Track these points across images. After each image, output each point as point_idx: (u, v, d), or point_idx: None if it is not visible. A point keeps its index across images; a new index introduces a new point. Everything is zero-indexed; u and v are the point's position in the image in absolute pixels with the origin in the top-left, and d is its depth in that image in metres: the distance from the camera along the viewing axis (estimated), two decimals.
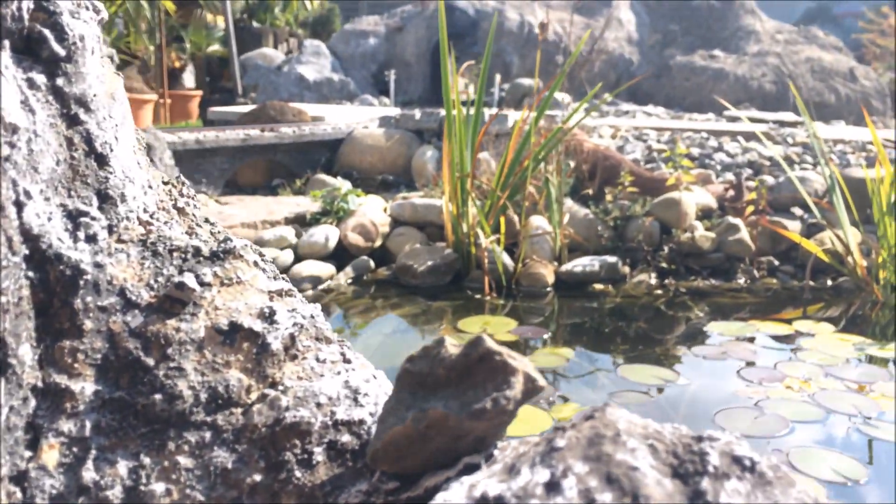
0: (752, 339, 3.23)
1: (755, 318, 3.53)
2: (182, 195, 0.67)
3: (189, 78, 12.14)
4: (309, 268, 3.89)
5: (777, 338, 3.27)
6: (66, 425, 0.51)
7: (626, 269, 4.12)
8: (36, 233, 0.52)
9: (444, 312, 3.68)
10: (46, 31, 0.56)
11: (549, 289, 3.94)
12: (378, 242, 4.26)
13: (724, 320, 3.51)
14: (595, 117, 7.05)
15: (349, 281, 4.02)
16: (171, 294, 0.56)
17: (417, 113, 5.92)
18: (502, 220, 4.03)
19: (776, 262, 4.22)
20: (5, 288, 0.48)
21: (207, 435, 0.52)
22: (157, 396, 0.52)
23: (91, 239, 0.54)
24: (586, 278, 3.99)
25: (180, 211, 0.66)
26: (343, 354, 0.61)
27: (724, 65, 10.40)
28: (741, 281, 4.10)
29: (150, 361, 0.53)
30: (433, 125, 5.68)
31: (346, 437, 0.53)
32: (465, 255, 4.05)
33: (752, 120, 6.72)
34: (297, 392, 0.54)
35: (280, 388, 0.55)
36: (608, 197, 4.43)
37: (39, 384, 0.51)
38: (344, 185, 4.62)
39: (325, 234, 4.07)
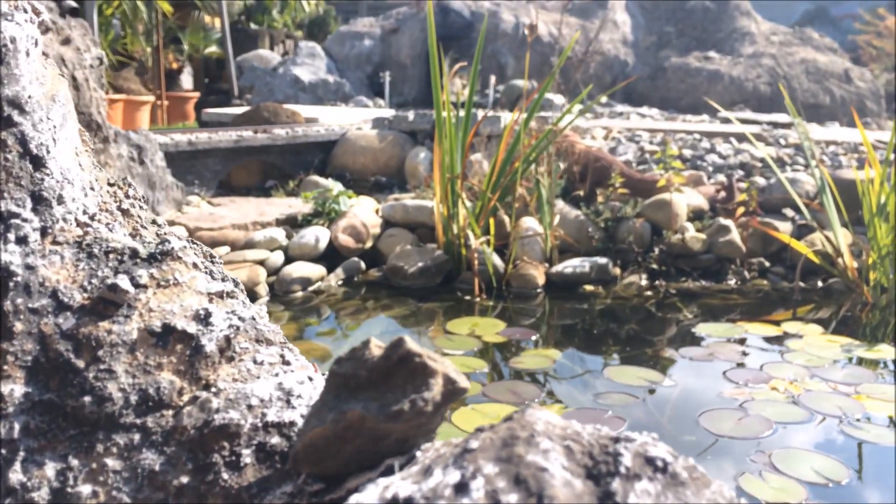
0: (740, 341, 3.23)
1: (744, 319, 3.53)
2: (128, 197, 0.68)
3: (187, 79, 12.15)
4: (299, 269, 3.89)
5: (765, 339, 3.27)
6: None
7: (617, 271, 4.12)
8: None
9: (434, 314, 3.67)
10: None
11: (539, 290, 3.94)
12: (369, 244, 4.26)
13: (714, 322, 3.52)
14: (589, 119, 7.06)
15: (340, 282, 4.02)
16: (104, 296, 0.56)
17: (411, 114, 5.93)
18: (492, 221, 4.03)
19: (767, 264, 4.23)
20: None
21: (136, 437, 0.52)
22: (87, 398, 0.52)
23: (22, 241, 0.54)
24: (577, 280, 3.99)
25: (125, 213, 0.66)
26: (282, 356, 0.61)
27: (719, 66, 10.41)
28: (732, 282, 4.10)
29: (81, 363, 0.53)
30: (426, 126, 5.68)
31: (275, 439, 0.53)
32: (456, 257, 4.05)
33: (747, 121, 6.72)
34: (230, 394, 0.54)
35: (213, 390, 0.55)
36: (599, 198, 4.43)
37: None
38: (335, 186, 4.62)
39: (316, 236, 4.08)
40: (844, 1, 24.14)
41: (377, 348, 0.49)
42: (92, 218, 0.62)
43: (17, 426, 0.52)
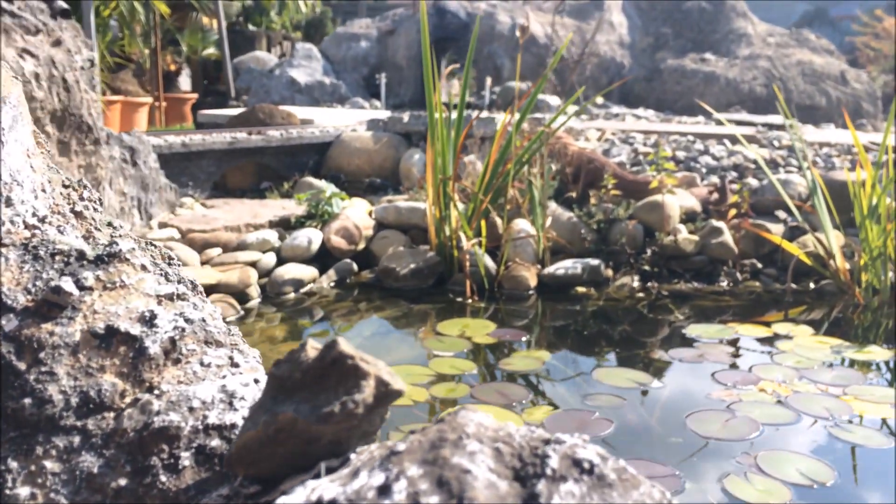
0: (730, 342, 3.23)
1: (736, 321, 3.53)
2: (82, 199, 0.68)
3: (186, 81, 12.16)
4: (291, 271, 3.89)
5: (755, 340, 3.27)
6: None
7: (609, 272, 4.12)
8: None
9: (425, 315, 3.67)
10: None
11: (531, 292, 3.94)
12: (361, 245, 4.26)
13: (706, 323, 3.51)
14: (584, 120, 7.06)
15: (332, 284, 4.01)
16: (48, 298, 0.56)
17: (405, 116, 5.93)
18: (483, 223, 4.03)
19: (759, 265, 4.22)
20: None
21: (76, 440, 0.52)
22: (27, 401, 0.52)
23: None
24: (569, 281, 3.99)
25: (78, 215, 0.66)
26: (231, 358, 0.61)
27: (714, 68, 10.41)
28: (724, 284, 4.10)
29: (22, 365, 0.53)
30: (421, 128, 5.68)
31: (215, 442, 0.53)
32: (448, 258, 4.05)
33: (742, 123, 6.73)
34: (172, 396, 0.55)
35: (156, 392, 0.55)
36: (592, 200, 4.44)
37: None
38: (328, 188, 4.62)
39: (308, 237, 4.08)
40: (844, 1, 24.16)
41: (313, 350, 0.49)
42: (42, 220, 0.62)
43: None
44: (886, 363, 3.05)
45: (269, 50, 12.14)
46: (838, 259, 3.86)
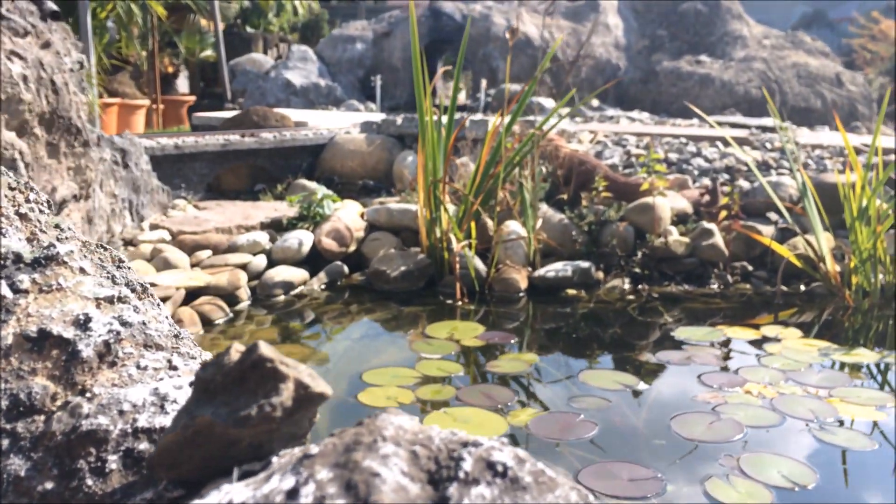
0: (718, 345, 3.23)
1: (725, 323, 3.53)
2: (28, 201, 0.68)
3: (183, 83, 12.16)
4: (282, 273, 3.88)
5: (744, 343, 3.26)
6: None
7: (600, 275, 4.12)
8: None
9: (416, 318, 3.67)
10: None
11: (522, 294, 3.94)
12: (353, 247, 4.26)
13: (695, 326, 3.51)
14: (578, 122, 7.07)
15: (322, 286, 4.01)
16: None
17: (399, 118, 5.93)
18: (473, 225, 4.03)
19: (750, 268, 4.22)
20: None
21: (5, 442, 0.52)
22: None
23: None
24: (559, 283, 3.99)
25: (22, 217, 0.66)
26: (170, 361, 0.61)
27: (710, 70, 10.42)
28: (714, 286, 4.10)
29: None
30: (415, 131, 5.68)
31: (144, 445, 0.53)
32: (439, 261, 4.05)
33: (736, 125, 6.73)
34: (103, 399, 0.55)
35: (88, 395, 0.55)
36: (583, 202, 4.44)
37: None
38: (320, 189, 4.62)
39: (299, 239, 4.07)
40: (843, 2, 24.17)
41: (236, 353, 0.49)
42: None
43: None
44: (877, 365, 3.05)
45: (265, 52, 12.15)
46: (828, 261, 3.86)
